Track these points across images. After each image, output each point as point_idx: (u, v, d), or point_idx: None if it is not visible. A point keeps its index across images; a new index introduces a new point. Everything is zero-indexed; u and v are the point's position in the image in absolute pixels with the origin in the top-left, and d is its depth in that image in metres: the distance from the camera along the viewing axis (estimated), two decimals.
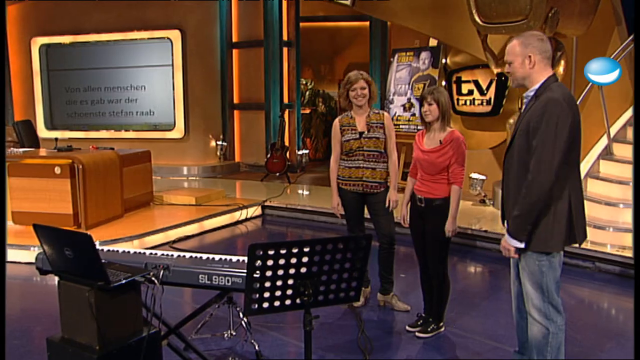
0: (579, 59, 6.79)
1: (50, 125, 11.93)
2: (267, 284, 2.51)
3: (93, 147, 7.64)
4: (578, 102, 6.23)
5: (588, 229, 5.74)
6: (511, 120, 7.05)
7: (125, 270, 2.77)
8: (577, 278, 5.46)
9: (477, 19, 6.45)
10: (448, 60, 9.11)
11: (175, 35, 10.94)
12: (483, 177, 7.54)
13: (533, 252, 2.97)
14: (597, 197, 5.88)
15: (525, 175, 2.89)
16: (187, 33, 10.98)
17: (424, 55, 8.25)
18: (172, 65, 11.05)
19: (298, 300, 2.60)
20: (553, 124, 2.78)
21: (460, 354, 3.97)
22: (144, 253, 3.33)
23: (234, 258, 3.26)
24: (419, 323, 4.25)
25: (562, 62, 6.32)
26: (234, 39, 11.57)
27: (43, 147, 9.21)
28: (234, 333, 3.95)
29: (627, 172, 5.90)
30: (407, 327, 4.25)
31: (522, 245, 2.96)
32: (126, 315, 2.73)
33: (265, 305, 2.56)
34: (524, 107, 3.02)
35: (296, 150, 11.38)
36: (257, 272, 2.47)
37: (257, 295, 2.53)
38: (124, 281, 2.63)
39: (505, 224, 3.12)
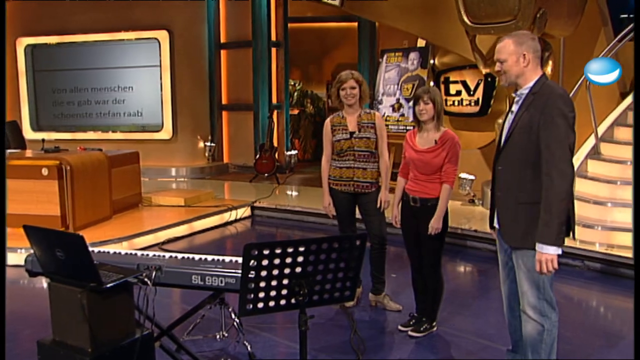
0: (566, 59, 6.84)
1: (37, 126, 11.81)
2: (262, 284, 2.50)
3: (81, 148, 7.57)
4: None
5: (577, 227, 5.82)
6: (500, 120, 7.06)
7: (117, 272, 2.74)
8: (567, 276, 5.49)
9: (465, 19, 6.47)
10: (436, 61, 9.14)
11: (163, 35, 10.88)
12: (472, 177, 7.57)
13: (530, 249, 2.95)
14: (585, 196, 5.92)
15: (528, 172, 2.89)
16: (175, 33, 10.92)
17: (413, 55, 8.28)
18: (160, 65, 10.99)
19: (293, 300, 2.59)
20: (564, 121, 2.81)
21: (453, 353, 3.97)
22: (136, 254, 3.30)
23: (227, 258, 3.24)
24: (411, 323, 4.25)
25: (550, 62, 6.36)
26: (222, 40, 11.53)
27: (29, 148, 9.11)
28: (226, 334, 3.92)
29: (614, 171, 5.95)
30: (400, 327, 4.25)
31: (561, 251, 2.87)
32: (119, 317, 2.70)
33: (260, 305, 2.55)
34: (517, 105, 3.00)
35: (285, 151, 11.36)
36: (252, 272, 2.46)
37: (252, 296, 2.52)
38: (116, 282, 2.60)
39: (497, 231, 3.10)
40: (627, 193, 5.69)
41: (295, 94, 12.82)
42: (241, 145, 11.55)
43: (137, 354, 2.70)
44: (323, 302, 2.70)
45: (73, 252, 2.54)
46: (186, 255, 3.28)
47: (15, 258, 5.66)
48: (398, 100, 8.35)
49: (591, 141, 6.29)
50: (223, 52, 11.57)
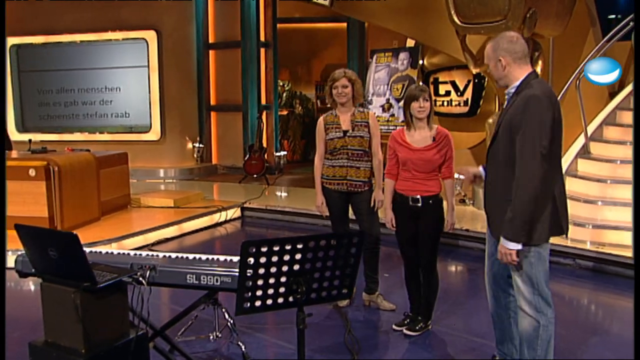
0: (555, 59, 6.88)
1: (22, 127, 11.66)
2: (260, 282, 2.48)
3: (68, 149, 7.48)
4: None
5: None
6: (490, 120, 7.10)
7: (111, 271, 2.69)
8: (559, 275, 5.50)
9: (455, 19, 6.48)
10: (425, 62, 9.15)
11: (150, 35, 10.80)
12: (463, 177, 7.56)
13: (523, 246, 2.95)
14: (575, 195, 5.95)
15: (511, 170, 2.92)
16: (163, 33, 10.85)
17: (403, 55, 8.28)
18: (148, 66, 10.91)
19: (291, 299, 2.57)
20: (535, 122, 2.82)
21: (449, 351, 3.96)
22: (129, 254, 3.25)
23: (222, 257, 3.20)
24: (406, 322, 4.23)
25: (540, 62, 6.39)
26: (211, 40, 11.46)
27: (15, 149, 8.98)
28: (219, 335, 3.88)
29: (604, 170, 5.99)
30: (394, 326, 4.23)
31: (520, 247, 2.93)
32: (113, 317, 2.65)
33: (258, 304, 2.52)
34: (505, 103, 3.07)
35: (274, 152, 11.31)
36: (250, 270, 2.43)
37: (250, 294, 2.49)
38: (111, 281, 2.55)
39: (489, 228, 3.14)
40: (617, 192, 5.74)
41: (284, 94, 12.78)
42: (230, 146, 11.49)
43: (132, 354, 2.65)
44: (321, 300, 2.68)
45: (66, 251, 2.49)
46: (180, 255, 3.23)
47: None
48: (388, 100, 8.35)
49: (581, 140, 6.33)
50: (211, 53, 11.50)
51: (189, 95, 11.32)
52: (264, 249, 2.41)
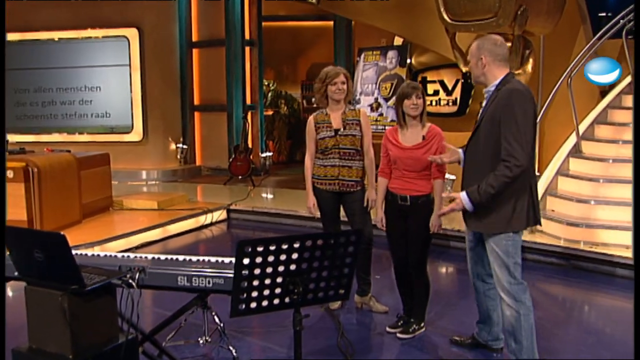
0: (546, 57, 6.85)
1: None
2: (256, 283, 2.40)
3: (48, 150, 7.27)
4: (547, 101, 6.32)
5: (561, 226, 5.78)
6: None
7: (100, 273, 2.55)
8: (553, 275, 5.47)
9: (445, 16, 6.42)
10: (413, 61, 9.09)
11: (132, 33, 10.57)
12: (453, 177, 7.47)
13: (501, 233, 3.19)
14: (568, 195, 5.91)
15: (490, 162, 3.11)
16: (145, 31, 10.62)
17: (391, 54, 8.20)
18: (129, 65, 10.65)
19: (287, 300, 2.50)
20: (520, 113, 3.04)
21: (443, 353, 3.89)
22: (116, 256, 3.11)
23: (213, 259, 3.09)
24: (399, 324, 4.14)
25: (531, 60, 6.34)
26: (194, 38, 11.26)
27: None
28: (209, 339, 3.75)
29: (596, 169, 5.95)
30: (388, 328, 4.14)
31: (470, 209, 3.19)
32: (101, 321, 2.52)
33: (253, 305, 2.44)
34: (485, 100, 3.27)
35: (259, 153, 11.15)
36: (246, 270, 2.33)
37: (245, 295, 2.41)
38: (99, 284, 2.41)
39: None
40: (610, 191, 5.71)
41: (269, 94, 12.63)
42: (214, 147, 11.30)
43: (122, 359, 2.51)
44: (318, 301, 2.64)
45: (53, 252, 2.35)
46: (170, 256, 3.11)
47: None
48: (376, 99, 8.26)
49: (572, 139, 6.29)
50: (195, 51, 11.30)
51: (172, 95, 11.11)
52: (260, 249, 2.34)
